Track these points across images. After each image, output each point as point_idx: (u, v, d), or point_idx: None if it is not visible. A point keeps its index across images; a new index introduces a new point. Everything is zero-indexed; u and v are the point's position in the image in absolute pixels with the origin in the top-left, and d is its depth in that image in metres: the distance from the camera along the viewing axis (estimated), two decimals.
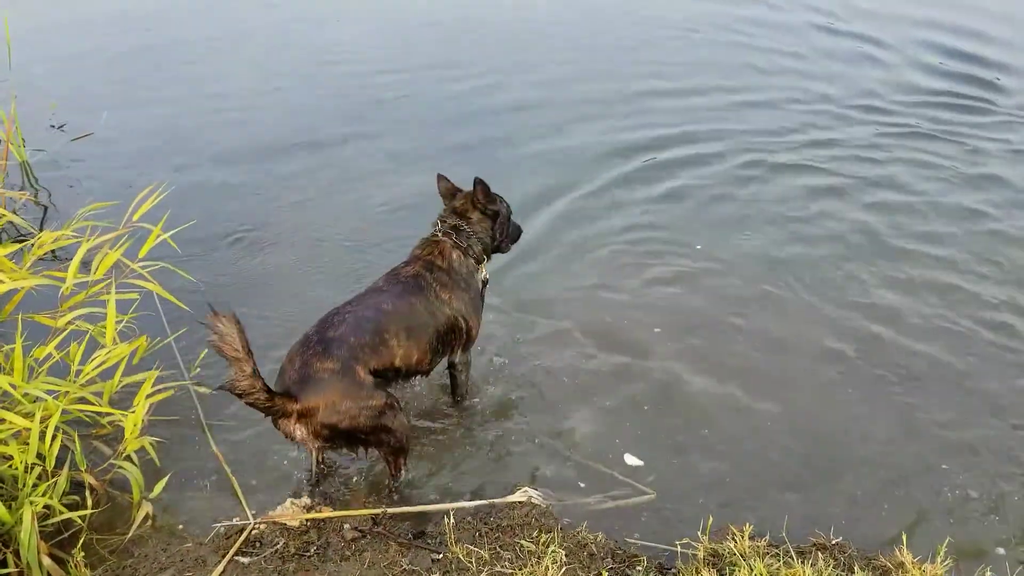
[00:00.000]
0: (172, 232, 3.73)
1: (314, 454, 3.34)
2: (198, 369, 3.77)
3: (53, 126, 6.07)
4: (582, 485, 3.38)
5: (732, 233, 5.14)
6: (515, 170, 5.67)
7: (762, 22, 8.70)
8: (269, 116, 6.48)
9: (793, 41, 8.21)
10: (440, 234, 3.52)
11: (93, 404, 3.19)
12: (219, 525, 3.10)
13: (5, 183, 5.32)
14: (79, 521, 3.06)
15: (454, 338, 3.50)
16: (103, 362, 3.26)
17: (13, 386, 2.91)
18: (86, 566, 2.89)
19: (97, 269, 3.49)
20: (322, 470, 3.40)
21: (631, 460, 3.52)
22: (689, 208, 5.38)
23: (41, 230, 4.89)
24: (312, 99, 6.81)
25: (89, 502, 3.15)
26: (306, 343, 3.08)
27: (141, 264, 3.54)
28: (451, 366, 3.66)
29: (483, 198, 3.55)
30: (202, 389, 3.72)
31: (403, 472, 3.31)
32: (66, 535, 3.06)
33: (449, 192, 3.65)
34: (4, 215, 3.33)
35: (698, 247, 4.98)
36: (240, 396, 2.83)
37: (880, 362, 4.09)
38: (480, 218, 3.56)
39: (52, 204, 5.31)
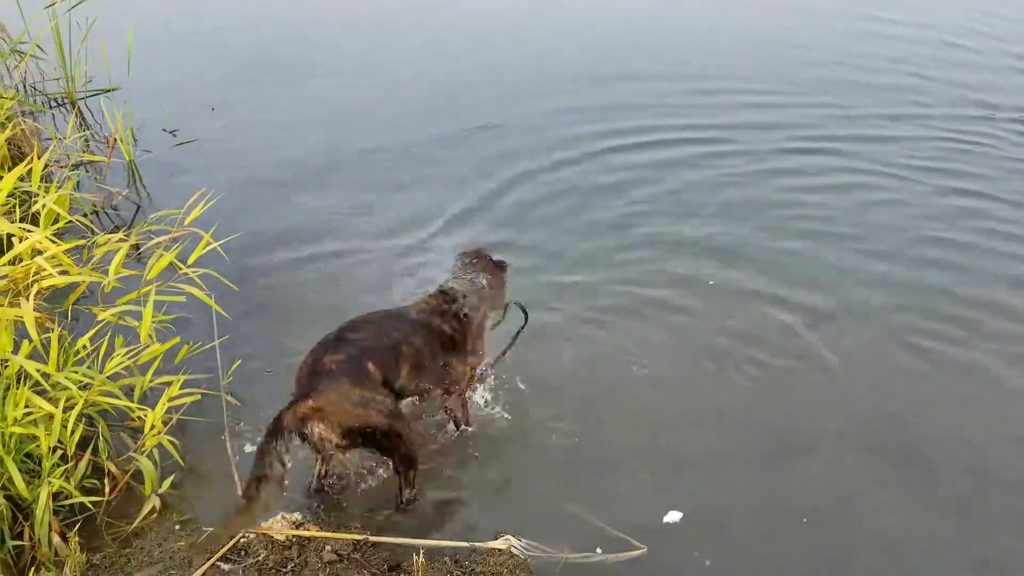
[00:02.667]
0: (222, 241, 3.97)
1: (321, 461, 3.47)
2: (230, 378, 3.96)
3: (165, 130, 6.51)
4: (595, 548, 3.28)
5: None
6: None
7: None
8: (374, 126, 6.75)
9: None
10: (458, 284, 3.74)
11: (120, 397, 3.41)
12: (212, 529, 3.25)
13: (112, 180, 5.79)
14: (90, 506, 3.28)
15: (449, 381, 3.62)
16: (133, 357, 3.50)
17: (45, 375, 3.16)
18: (85, 550, 3.10)
19: (150, 270, 3.77)
20: (324, 482, 3.51)
21: (671, 517, 3.43)
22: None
23: (131, 227, 5.32)
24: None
25: (107, 489, 3.39)
26: (322, 345, 3.24)
27: (196, 268, 3.80)
28: (445, 409, 3.80)
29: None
30: (230, 398, 3.90)
31: (414, 490, 3.39)
32: (80, 517, 3.29)
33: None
34: (65, 217, 3.59)
35: (711, 283, 4.92)
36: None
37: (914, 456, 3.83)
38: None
39: (151, 201, 5.71)
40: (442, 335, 3.54)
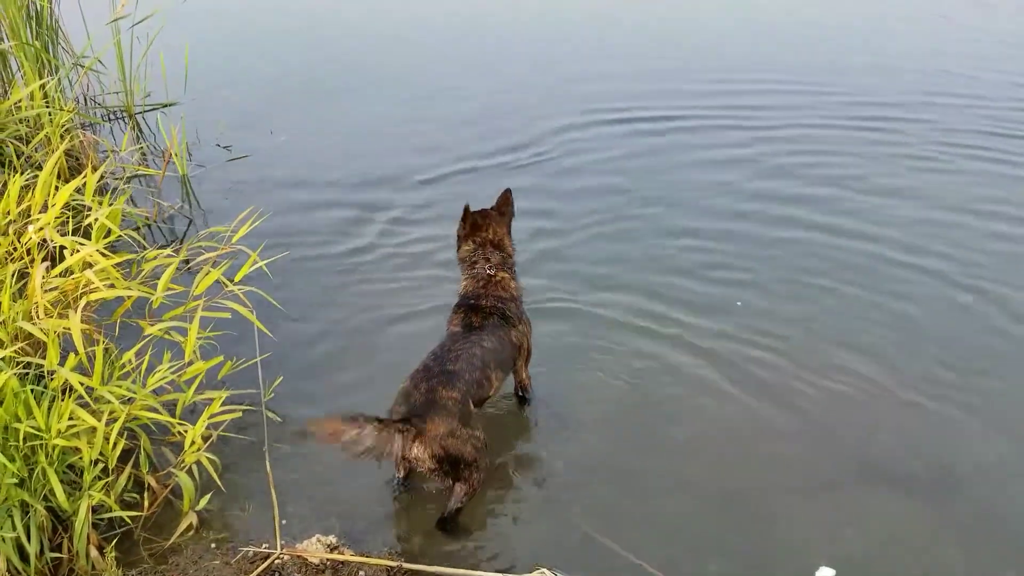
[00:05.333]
0: (269, 260, 3.99)
1: (402, 474, 3.57)
2: (272, 395, 3.96)
3: (219, 145, 6.61)
4: None
5: None
6: None
7: None
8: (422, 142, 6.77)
9: None
10: (495, 271, 3.80)
11: (161, 412, 3.41)
12: (247, 549, 3.23)
13: (166, 192, 5.89)
14: (128, 521, 3.30)
15: (519, 358, 3.88)
16: (177, 372, 3.51)
17: (89, 388, 3.18)
18: (121, 564, 3.11)
19: (197, 286, 3.79)
20: (406, 487, 3.61)
21: (823, 574, 3.27)
22: None
23: (182, 241, 5.39)
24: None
25: (146, 503, 3.40)
26: (428, 373, 3.34)
27: (242, 286, 3.82)
28: (522, 388, 4.02)
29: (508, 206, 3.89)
30: (271, 414, 3.90)
31: (461, 510, 3.40)
32: (119, 531, 3.31)
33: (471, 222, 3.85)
34: (116, 232, 3.63)
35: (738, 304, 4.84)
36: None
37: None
38: (508, 238, 3.92)
39: (203, 215, 5.78)
40: (508, 318, 3.74)
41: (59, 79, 5.76)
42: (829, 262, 5.26)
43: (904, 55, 8.94)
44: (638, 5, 10.52)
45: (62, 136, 5.18)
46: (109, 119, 6.83)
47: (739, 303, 4.83)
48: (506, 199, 3.85)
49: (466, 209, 3.80)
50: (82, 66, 6.16)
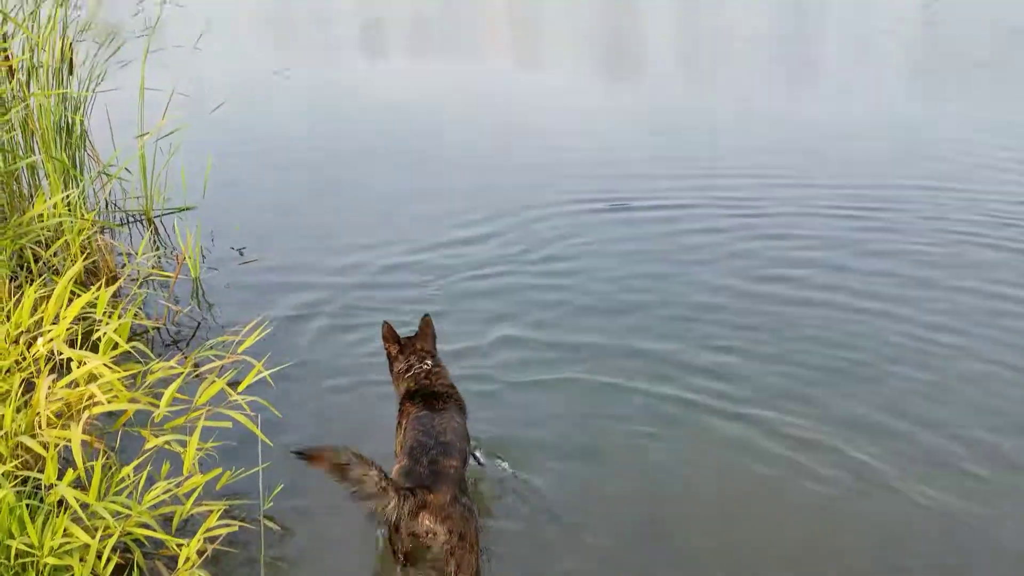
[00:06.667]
0: (274, 370, 4.03)
1: (402, 558, 3.45)
2: (271, 503, 3.93)
3: (233, 248, 6.76)
4: None
5: None
6: None
7: None
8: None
9: None
10: (431, 364, 4.04)
11: (156, 529, 3.39)
12: None
13: (177, 293, 5.99)
14: None
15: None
16: (176, 486, 3.51)
17: (84, 504, 3.18)
18: None
19: (200, 396, 3.83)
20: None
21: None
22: None
23: (189, 343, 5.45)
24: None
25: None
26: (425, 447, 3.41)
27: (245, 396, 3.85)
28: None
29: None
30: (272, 525, 3.87)
31: None
32: None
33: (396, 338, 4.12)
34: (123, 347, 3.68)
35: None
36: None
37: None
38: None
39: (212, 318, 5.86)
40: (462, 405, 3.92)
41: (83, 188, 5.95)
42: (829, 341, 5.41)
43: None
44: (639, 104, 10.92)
45: (82, 247, 5.32)
46: (128, 222, 7.02)
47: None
48: (427, 323, 4.13)
49: (387, 327, 4.09)
50: (108, 175, 6.38)
